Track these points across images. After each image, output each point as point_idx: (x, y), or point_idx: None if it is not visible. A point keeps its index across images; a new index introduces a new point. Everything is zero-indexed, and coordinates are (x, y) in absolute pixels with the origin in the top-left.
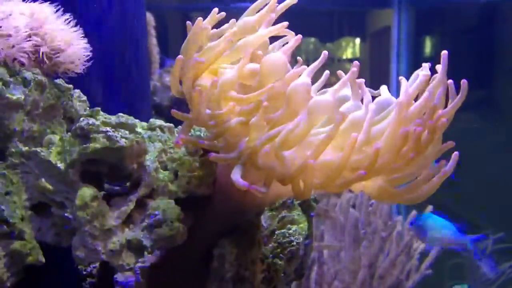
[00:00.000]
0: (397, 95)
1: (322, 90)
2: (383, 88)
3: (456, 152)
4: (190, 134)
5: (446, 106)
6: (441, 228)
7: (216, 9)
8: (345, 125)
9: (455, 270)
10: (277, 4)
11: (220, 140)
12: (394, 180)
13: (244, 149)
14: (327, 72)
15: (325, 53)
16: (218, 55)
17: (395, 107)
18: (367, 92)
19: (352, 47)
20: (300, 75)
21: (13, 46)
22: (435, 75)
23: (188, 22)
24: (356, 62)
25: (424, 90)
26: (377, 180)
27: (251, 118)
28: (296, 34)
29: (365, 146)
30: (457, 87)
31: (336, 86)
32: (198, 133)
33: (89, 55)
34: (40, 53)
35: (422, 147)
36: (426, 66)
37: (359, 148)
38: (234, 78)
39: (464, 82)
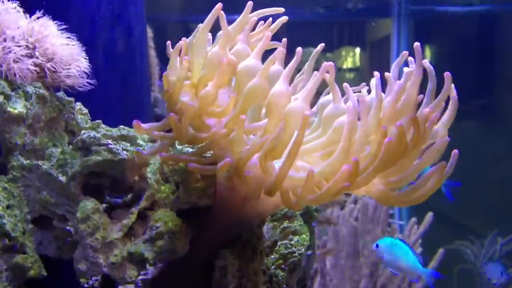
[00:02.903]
0: None
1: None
2: (374, 84)
3: (455, 151)
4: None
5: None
6: (404, 256)
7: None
8: (331, 133)
9: (462, 275)
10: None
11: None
12: (391, 183)
13: (230, 161)
14: (316, 73)
15: (298, 50)
16: (183, 75)
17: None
18: (353, 97)
19: (352, 57)
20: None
21: (14, 61)
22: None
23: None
24: (331, 63)
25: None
26: (377, 185)
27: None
28: (296, 45)
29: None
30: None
31: (306, 90)
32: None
33: (90, 70)
34: (42, 68)
35: (409, 144)
36: (411, 60)
37: (344, 156)
38: (213, 91)
39: (447, 75)
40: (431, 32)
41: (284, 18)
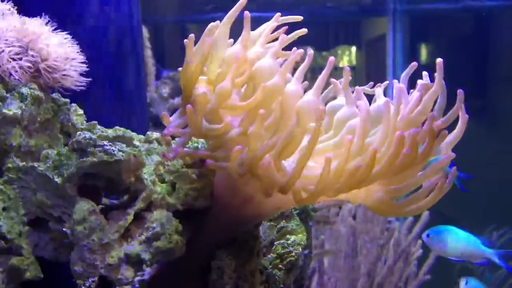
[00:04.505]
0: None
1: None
2: (379, 93)
3: (454, 168)
4: (187, 146)
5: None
6: (461, 240)
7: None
8: (343, 134)
9: (463, 274)
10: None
11: (220, 149)
12: (393, 192)
13: (245, 159)
14: (333, 80)
15: (310, 53)
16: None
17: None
18: (365, 100)
19: (348, 55)
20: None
21: (8, 61)
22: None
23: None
24: (346, 68)
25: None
26: (377, 192)
27: (249, 127)
28: (292, 43)
29: (360, 152)
30: (452, 95)
31: (315, 85)
32: (196, 144)
33: (85, 71)
34: (36, 69)
35: (420, 155)
36: (425, 74)
37: (356, 152)
38: (229, 86)
39: (460, 92)
40: (427, 30)
41: (303, 31)
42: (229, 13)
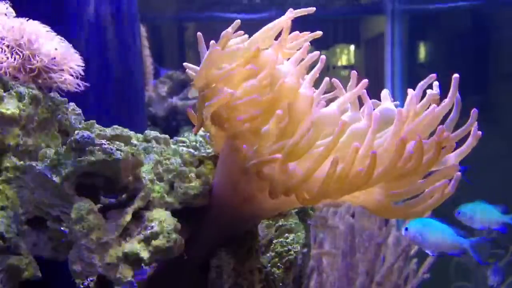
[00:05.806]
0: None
1: (322, 97)
2: (385, 96)
3: (458, 173)
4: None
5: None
6: (438, 232)
7: (238, 21)
8: (345, 137)
9: (459, 270)
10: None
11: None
12: (393, 196)
13: (252, 156)
14: (326, 79)
15: (322, 58)
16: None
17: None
18: (370, 103)
19: (346, 54)
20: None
21: (5, 61)
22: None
23: (199, 34)
24: (354, 72)
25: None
26: (376, 195)
27: (260, 125)
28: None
29: (365, 159)
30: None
31: (342, 99)
32: (194, 143)
33: (83, 70)
34: (34, 69)
35: (423, 164)
36: (436, 85)
37: (360, 159)
38: (256, 86)
39: (474, 111)
40: (425, 28)
41: (318, 33)
42: (280, 40)
